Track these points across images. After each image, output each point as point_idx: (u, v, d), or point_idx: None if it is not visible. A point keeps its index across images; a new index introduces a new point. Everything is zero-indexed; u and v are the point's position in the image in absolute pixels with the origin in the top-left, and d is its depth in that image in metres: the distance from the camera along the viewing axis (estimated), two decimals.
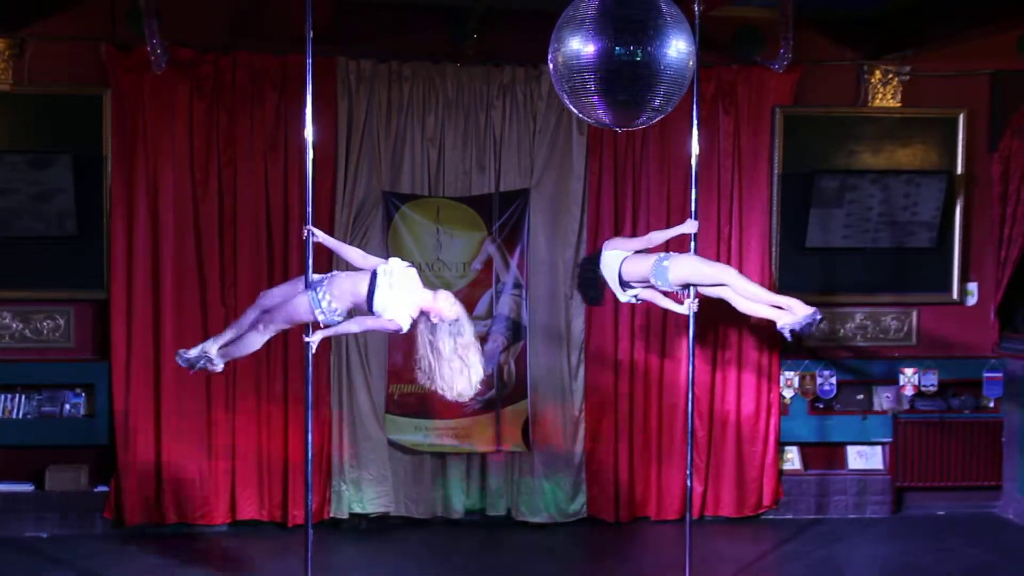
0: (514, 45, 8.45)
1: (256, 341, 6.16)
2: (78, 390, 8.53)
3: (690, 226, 6.80)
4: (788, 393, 9.11)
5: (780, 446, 9.12)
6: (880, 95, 9.06)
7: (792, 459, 9.25)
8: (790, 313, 6.62)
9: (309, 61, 6.01)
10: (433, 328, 5.99)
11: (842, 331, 9.23)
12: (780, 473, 9.13)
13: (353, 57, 8.49)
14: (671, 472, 8.90)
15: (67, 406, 8.50)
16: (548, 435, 8.79)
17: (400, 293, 5.94)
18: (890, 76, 9.04)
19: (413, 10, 8.52)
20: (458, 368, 5.99)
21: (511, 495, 8.84)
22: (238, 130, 8.42)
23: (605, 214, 8.79)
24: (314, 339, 6.02)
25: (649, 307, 7.36)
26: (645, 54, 4.97)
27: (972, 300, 9.35)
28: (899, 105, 9.09)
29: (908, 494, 9.30)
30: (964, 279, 9.27)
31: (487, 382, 7.58)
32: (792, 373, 9.11)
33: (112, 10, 8.18)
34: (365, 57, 8.50)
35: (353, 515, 8.67)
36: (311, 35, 6.00)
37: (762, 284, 7.60)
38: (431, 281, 7.79)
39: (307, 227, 6.02)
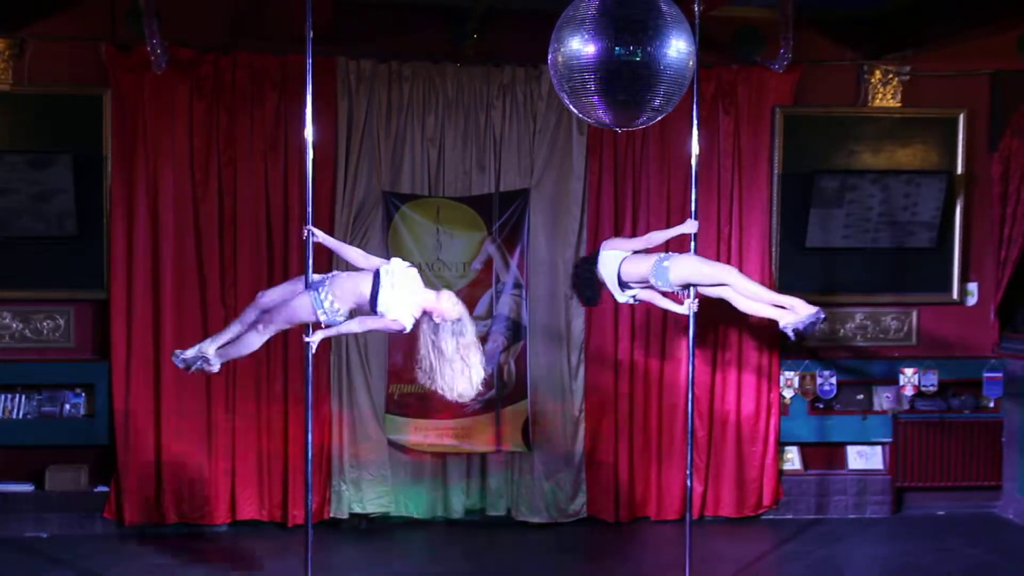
0: (514, 45, 8.45)
1: (255, 341, 6.15)
2: (78, 390, 8.53)
3: (690, 226, 6.79)
4: (788, 393, 9.11)
5: (780, 446, 9.12)
6: (880, 95, 9.05)
7: (792, 459, 9.25)
8: (793, 312, 6.60)
9: (309, 61, 6.00)
10: (436, 328, 5.99)
11: (842, 331, 9.23)
12: (780, 473, 9.13)
13: (353, 57, 8.49)
14: (671, 472, 8.89)
15: (67, 406, 8.50)
16: (548, 435, 8.79)
17: (402, 293, 5.94)
18: (890, 76, 9.04)
19: (413, 10, 8.52)
20: (459, 368, 5.99)
21: (511, 495, 8.84)
22: (238, 130, 8.42)
23: (605, 214, 8.79)
24: (314, 339, 6.01)
25: (649, 307, 7.34)
26: (645, 54, 4.97)
27: (972, 300, 9.35)
28: (899, 105, 9.09)
29: (908, 494, 9.30)
30: (964, 279, 9.26)
31: (487, 382, 7.57)
32: (792, 373, 9.11)
33: (112, 10, 8.18)
34: (365, 57, 8.50)
35: (353, 515, 8.67)
36: (311, 35, 5.99)
37: (762, 284, 7.59)
38: (431, 281, 7.77)
39: (307, 227, 6.01)
